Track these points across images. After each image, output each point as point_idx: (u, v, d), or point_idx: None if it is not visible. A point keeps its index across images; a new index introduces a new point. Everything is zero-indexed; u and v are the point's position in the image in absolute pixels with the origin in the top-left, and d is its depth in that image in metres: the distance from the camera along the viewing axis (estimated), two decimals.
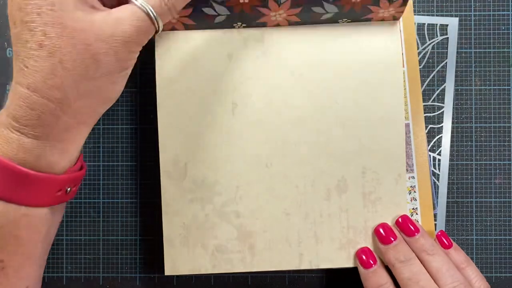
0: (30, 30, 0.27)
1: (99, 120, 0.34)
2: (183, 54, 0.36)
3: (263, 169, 0.36)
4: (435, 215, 0.40)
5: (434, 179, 0.40)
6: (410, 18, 0.39)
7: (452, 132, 0.40)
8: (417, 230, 0.35)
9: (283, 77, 0.36)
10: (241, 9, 0.34)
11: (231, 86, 0.36)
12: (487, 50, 0.40)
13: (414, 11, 0.40)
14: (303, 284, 0.41)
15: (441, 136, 0.40)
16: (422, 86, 0.40)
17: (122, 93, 0.32)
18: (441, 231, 0.37)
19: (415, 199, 0.38)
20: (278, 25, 0.36)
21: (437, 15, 0.40)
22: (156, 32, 0.30)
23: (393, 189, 0.36)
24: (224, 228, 0.36)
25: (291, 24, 0.36)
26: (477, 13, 0.40)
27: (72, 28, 0.27)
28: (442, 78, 0.40)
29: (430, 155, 0.40)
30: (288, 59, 0.36)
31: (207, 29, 0.36)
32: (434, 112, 0.40)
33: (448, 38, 0.40)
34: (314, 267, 0.36)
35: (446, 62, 0.40)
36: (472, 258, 0.40)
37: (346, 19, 0.36)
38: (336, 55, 0.36)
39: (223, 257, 0.36)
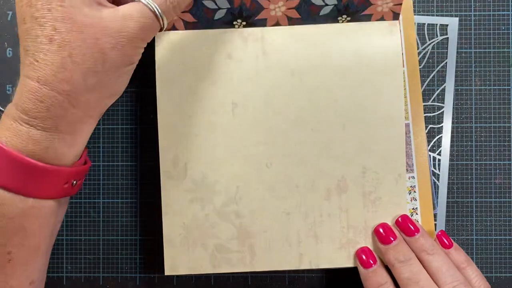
0: (40, 25, 0.28)
1: (99, 120, 0.34)
2: (183, 54, 0.36)
3: (263, 169, 0.36)
4: (435, 215, 0.40)
5: (434, 179, 0.40)
6: (410, 18, 0.39)
7: (452, 132, 0.40)
8: (417, 230, 0.35)
9: (283, 77, 0.36)
10: (241, 2, 0.35)
11: (231, 86, 0.36)
12: (487, 50, 0.40)
13: (414, 11, 0.40)
14: (303, 284, 0.41)
15: (441, 136, 0.40)
16: (422, 86, 0.40)
17: (122, 93, 0.32)
18: (441, 231, 0.37)
19: (415, 199, 0.38)
20: (278, 22, 0.36)
21: (437, 15, 0.40)
22: (161, 29, 0.31)
23: (393, 189, 0.36)
24: (224, 228, 0.36)
25: (291, 21, 0.36)
26: (477, 13, 0.40)
27: (81, 23, 0.28)
28: (442, 78, 0.40)
29: (430, 155, 0.40)
30: (288, 59, 0.36)
31: (207, 27, 0.36)
32: (434, 112, 0.40)
33: (448, 38, 0.40)
34: (314, 267, 0.36)
35: (446, 62, 0.40)
36: (472, 258, 0.40)
37: (345, 16, 0.36)
38: (336, 55, 0.36)
39: (223, 257, 0.36)
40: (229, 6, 0.35)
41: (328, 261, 0.36)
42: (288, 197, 0.36)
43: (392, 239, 0.35)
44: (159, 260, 0.40)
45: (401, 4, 0.36)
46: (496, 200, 0.40)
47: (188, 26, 0.36)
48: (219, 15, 0.36)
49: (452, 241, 0.36)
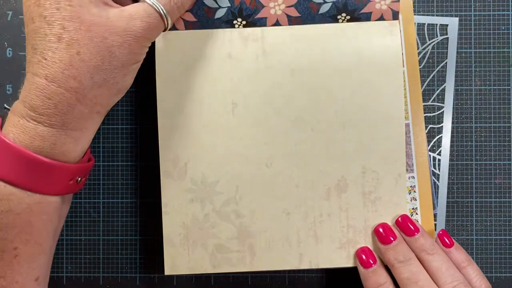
0: (49, 24, 0.28)
1: None
2: (183, 54, 0.36)
3: (263, 169, 0.36)
4: (435, 215, 0.40)
5: (434, 179, 0.40)
6: (410, 18, 0.39)
7: (452, 132, 0.40)
8: (416, 229, 0.35)
9: (283, 77, 0.36)
10: (241, 0, 0.35)
11: (231, 86, 0.36)
12: (487, 50, 0.40)
13: (414, 11, 0.40)
14: (303, 284, 0.41)
15: (441, 136, 0.40)
16: (422, 86, 0.40)
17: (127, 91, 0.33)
18: (442, 230, 0.37)
19: (415, 199, 0.38)
20: (277, 21, 0.36)
21: (437, 15, 0.40)
22: (165, 29, 0.32)
23: (393, 189, 0.36)
24: (224, 228, 0.36)
25: (291, 20, 0.36)
26: (477, 13, 0.40)
27: (89, 22, 0.29)
28: (442, 78, 0.40)
29: (430, 155, 0.40)
30: (288, 58, 0.36)
31: (208, 27, 0.36)
32: (434, 112, 0.40)
33: (448, 38, 0.40)
34: (314, 267, 0.36)
35: (446, 62, 0.40)
36: (472, 258, 0.39)
37: (344, 14, 0.36)
38: (336, 55, 0.36)
39: (223, 256, 0.36)
40: (229, 5, 0.36)
41: (328, 261, 0.36)
42: (288, 197, 0.36)
43: (392, 239, 0.35)
44: (159, 260, 0.40)
45: (398, 0, 0.36)
46: (496, 200, 0.40)
47: (188, 25, 0.36)
48: (219, 14, 0.36)
49: (453, 240, 0.36)
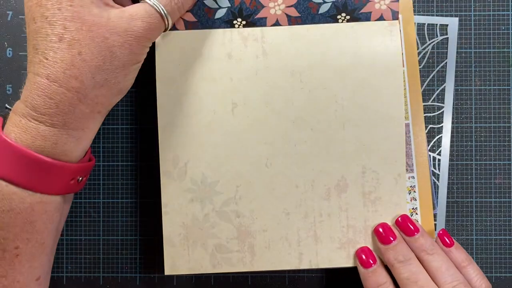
0: (50, 24, 0.29)
1: None
2: (183, 54, 0.36)
3: (263, 169, 0.36)
4: (435, 215, 0.40)
5: (434, 179, 0.40)
6: (410, 18, 0.39)
7: (452, 132, 0.40)
8: (416, 229, 0.35)
9: (283, 77, 0.36)
10: (241, 0, 0.35)
11: (231, 86, 0.36)
12: (487, 50, 0.40)
13: (414, 11, 0.40)
14: (303, 284, 0.41)
15: (441, 136, 0.40)
16: (422, 86, 0.40)
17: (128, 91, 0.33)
18: (442, 229, 0.37)
19: (415, 199, 0.38)
20: (277, 21, 0.36)
21: (437, 15, 0.40)
22: (166, 29, 0.33)
23: (393, 189, 0.36)
24: (224, 228, 0.36)
25: (290, 20, 0.36)
26: (477, 13, 0.40)
27: (90, 23, 0.29)
28: (442, 78, 0.40)
29: (430, 155, 0.40)
30: (288, 59, 0.36)
31: (208, 27, 0.36)
32: (434, 112, 0.40)
33: (448, 38, 0.40)
34: (314, 267, 0.36)
35: (446, 62, 0.40)
36: (472, 258, 0.40)
37: (344, 14, 0.36)
38: (336, 55, 0.36)
39: (223, 256, 0.36)
40: (229, 5, 0.36)
41: (328, 260, 0.36)
42: (288, 197, 0.36)
43: (392, 239, 0.35)
44: (159, 260, 0.40)
45: (398, 0, 0.36)
46: (496, 200, 0.40)
47: (188, 25, 0.36)
48: (219, 14, 0.36)
49: (453, 240, 0.36)
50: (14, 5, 0.40)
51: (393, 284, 0.35)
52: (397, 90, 0.36)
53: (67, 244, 0.41)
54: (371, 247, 0.36)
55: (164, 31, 0.33)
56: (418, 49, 0.40)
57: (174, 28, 0.36)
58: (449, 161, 0.40)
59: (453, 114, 0.40)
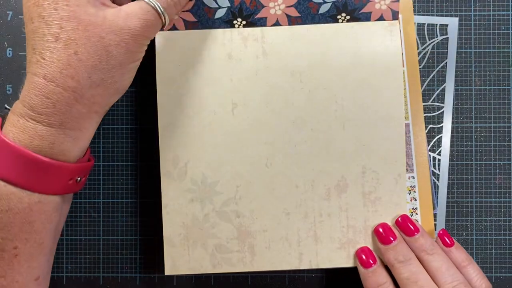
0: (47, 24, 0.29)
1: None
2: (183, 54, 0.36)
3: (263, 169, 0.36)
4: (435, 215, 0.40)
5: (434, 179, 0.40)
6: (410, 18, 0.39)
7: (452, 132, 0.40)
8: (416, 229, 0.35)
9: (283, 77, 0.36)
10: (241, 0, 0.35)
11: (231, 86, 0.36)
12: (487, 50, 0.40)
13: (414, 11, 0.40)
14: (303, 284, 0.41)
15: (441, 136, 0.40)
16: (422, 86, 0.40)
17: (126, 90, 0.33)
18: (442, 229, 0.37)
19: (415, 199, 0.38)
20: (277, 21, 0.36)
21: (437, 15, 0.40)
22: (163, 26, 0.32)
23: (393, 189, 0.36)
24: (224, 228, 0.36)
25: (291, 20, 0.36)
26: (477, 13, 0.40)
27: (86, 22, 0.29)
28: (442, 78, 0.40)
29: (430, 155, 0.40)
30: (288, 58, 0.36)
31: (208, 27, 0.36)
32: (434, 112, 0.40)
33: (448, 38, 0.40)
34: (314, 267, 0.36)
35: (446, 62, 0.40)
36: (472, 258, 0.40)
37: (344, 14, 0.36)
38: (336, 55, 0.36)
39: (223, 256, 0.36)
40: (229, 5, 0.36)
41: (328, 261, 0.36)
42: (288, 197, 0.36)
43: (392, 239, 0.35)
44: (159, 260, 0.40)
45: (398, 0, 0.36)
46: (496, 200, 0.40)
47: (188, 25, 0.36)
48: (219, 14, 0.36)
49: (453, 239, 0.36)
50: (14, 5, 0.40)
51: (393, 284, 0.35)
52: (397, 90, 0.36)
53: (67, 244, 0.41)
54: (371, 247, 0.36)
55: (162, 29, 0.33)
56: (418, 49, 0.40)
57: (174, 28, 0.36)
58: (449, 161, 0.40)
59: (453, 114, 0.40)
